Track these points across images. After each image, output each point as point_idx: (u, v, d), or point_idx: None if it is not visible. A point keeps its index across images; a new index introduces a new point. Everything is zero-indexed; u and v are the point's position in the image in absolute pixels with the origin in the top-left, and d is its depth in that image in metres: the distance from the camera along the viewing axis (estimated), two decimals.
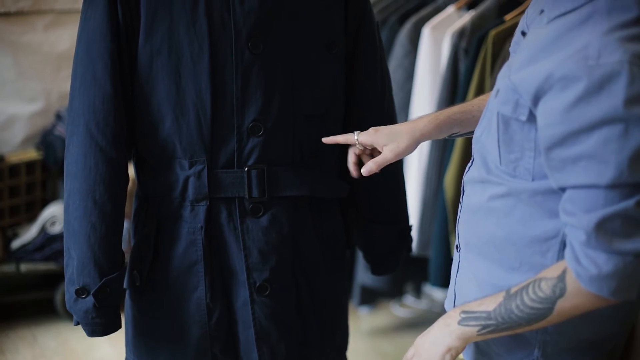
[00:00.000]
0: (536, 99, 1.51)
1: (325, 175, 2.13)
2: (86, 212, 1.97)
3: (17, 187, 4.24)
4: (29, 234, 4.11)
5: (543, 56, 1.52)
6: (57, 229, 4.05)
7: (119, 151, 1.98)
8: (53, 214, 4.10)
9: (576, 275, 1.49)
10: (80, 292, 1.99)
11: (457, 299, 1.90)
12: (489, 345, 1.80)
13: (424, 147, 3.52)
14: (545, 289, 1.54)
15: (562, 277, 1.53)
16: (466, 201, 1.82)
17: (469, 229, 1.81)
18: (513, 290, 1.59)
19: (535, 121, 1.54)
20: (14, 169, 4.22)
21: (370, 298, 4.10)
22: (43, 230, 4.09)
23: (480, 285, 1.78)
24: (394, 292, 4.15)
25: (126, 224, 2.49)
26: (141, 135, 2.03)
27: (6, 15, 4.29)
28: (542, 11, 1.64)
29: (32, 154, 4.32)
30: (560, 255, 1.62)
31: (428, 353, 1.69)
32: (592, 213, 1.45)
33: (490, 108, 1.68)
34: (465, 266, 1.84)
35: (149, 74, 1.95)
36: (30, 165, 4.29)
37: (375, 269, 2.39)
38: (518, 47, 1.71)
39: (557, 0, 1.56)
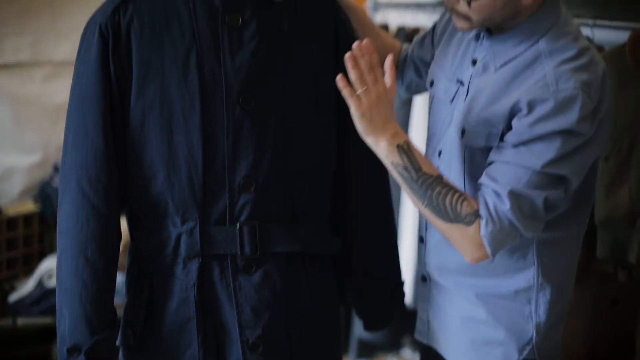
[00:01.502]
0: (509, 121, 1.88)
1: (317, 231, 2.12)
2: (78, 270, 1.97)
3: (14, 239, 4.23)
4: (26, 287, 4.09)
5: (504, 94, 1.90)
6: (54, 282, 4.01)
7: (111, 208, 1.98)
8: (50, 267, 4.08)
9: (484, 223, 1.86)
10: (72, 351, 1.97)
11: (439, 334, 2.21)
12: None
13: None
14: (464, 209, 1.87)
15: (475, 215, 1.87)
16: (433, 234, 2.12)
17: (444, 256, 2.11)
18: (444, 180, 1.91)
19: None
20: (12, 222, 4.21)
21: (368, 351, 4.08)
22: (40, 283, 4.08)
23: (461, 318, 2.14)
24: (392, 346, 4.14)
25: (120, 277, 2.47)
26: (133, 192, 2.02)
27: (5, 66, 4.31)
28: (474, 61, 2.02)
29: (29, 206, 4.32)
30: (537, 253, 2.02)
31: (373, 119, 1.92)
32: (514, 186, 1.83)
33: (450, 148, 2.03)
34: (442, 296, 2.17)
35: (141, 130, 1.95)
36: (27, 218, 4.29)
37: (367, 325, 2.37)
38: (449, 93, 2.09)
39: (497, 53, 1.96)
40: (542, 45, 1.89)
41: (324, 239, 2.16)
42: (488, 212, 1.86)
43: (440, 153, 2.11)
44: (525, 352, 2.07)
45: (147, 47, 1.92)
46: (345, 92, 1.90)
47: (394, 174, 1.94)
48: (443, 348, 2.20)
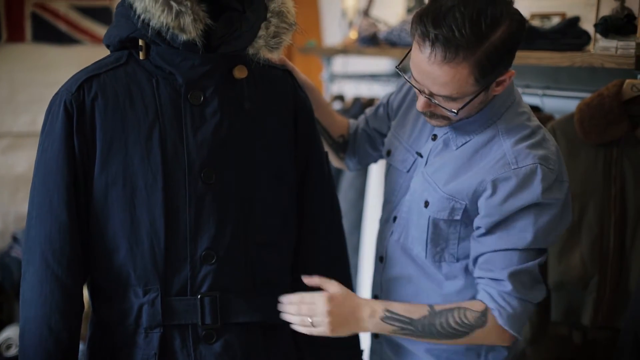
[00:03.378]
0: (474, 200, 2.01)
1: (278, 301, 2.14)
2: (42, 340, 1.97)
3: None
4: None
5: (465, 170, 2.03)
6: (12, 352, 3.99)
7: (75, 279, 1.99)
8: (9, 337, 4.05)
9: (498, 314, 1.99)
10: None
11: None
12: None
13: None
14: (470, 318, 2.00)
15: (485, 313, 2.00)
16: (386, 292, 2.26)
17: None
18: (437, 308, 2.03)
19: (462, 219, 2.06)
20: None
21: None
22: None
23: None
24: None
25: (82, 346, 2.48)
26: (96, 263, 2.04)
27: None
28: (435, 136, 2.13)
29: None
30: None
31: (343, 324, 2.04)
32: (510, 268, 1.97)
33: (409, 215, 2.16)
34: (395, 352, 2.28)
35: (104, 204, 1.97)
36: None
37: None
38: (406, 163, 2.21)
39: (458, 133, 2.07)
40: (499, 125, 2.03)
41: None
42: (496, 303, 2.00)
43: (395, 218, 2.21)
44: None
45: (110, 123, 1.95)
46: (305, 331, 2.08)
47: (399, 337, 2.11)
48: None
